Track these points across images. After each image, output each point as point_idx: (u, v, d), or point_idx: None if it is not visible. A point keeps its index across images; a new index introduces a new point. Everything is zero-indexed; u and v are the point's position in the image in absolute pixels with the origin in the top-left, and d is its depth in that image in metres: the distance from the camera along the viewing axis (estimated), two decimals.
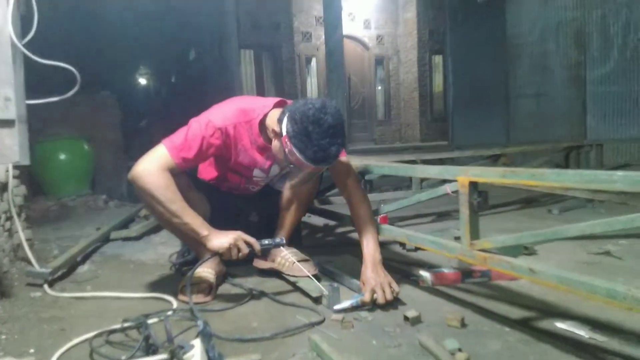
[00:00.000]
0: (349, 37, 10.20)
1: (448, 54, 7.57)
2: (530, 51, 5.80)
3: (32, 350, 1.23)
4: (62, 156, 4.76)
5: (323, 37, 7.90)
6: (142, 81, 10.16)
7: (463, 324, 1.29)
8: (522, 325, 1.30)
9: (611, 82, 4.77)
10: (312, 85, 10.44)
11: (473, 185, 1.26)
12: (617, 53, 4.69)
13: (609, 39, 4.76)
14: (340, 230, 2.65)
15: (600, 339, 1.18)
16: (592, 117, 4.99)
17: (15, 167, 2.08)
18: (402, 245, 2.10)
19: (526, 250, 1.99)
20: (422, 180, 2.83)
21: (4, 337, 1.31)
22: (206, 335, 1.08)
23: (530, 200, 3.42)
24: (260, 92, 9.67)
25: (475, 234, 1.29)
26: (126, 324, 1.32)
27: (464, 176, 1.28)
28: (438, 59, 11.01)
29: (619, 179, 0.82)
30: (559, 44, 5.39)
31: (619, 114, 4.72)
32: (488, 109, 6.48)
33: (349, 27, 9.96)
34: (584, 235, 0.96)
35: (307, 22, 10.10)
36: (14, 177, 2.10)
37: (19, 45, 1.46)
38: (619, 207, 2.79)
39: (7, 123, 1.33)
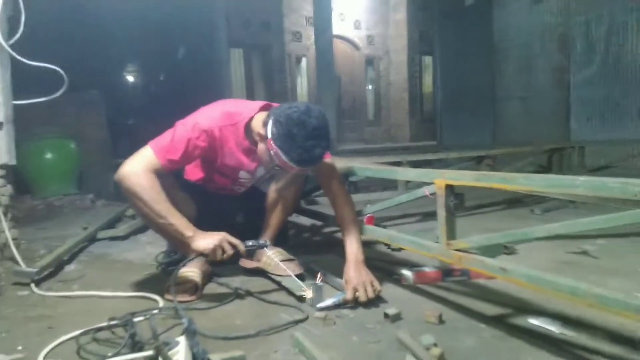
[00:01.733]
0: (340, 37, 10.24)
1: (436, 56, 7.66)
2: (517, 54, 5.91)
3: (20, 348, 1.25)
4: (49, 155, 4.74)
5: (313, 37, 7.93)
6: (130, 79, 10.09)
7: (441, 321, 1.34)
8: (497, 321, 1.35)
9: (594, 85, 4.88)
10: (302, 85, 10.46)
11: (449, 187, 1.31)
12: (600, 58, 4.80)
13: (592, 44, 4.88)
14: (326, 230, 2.69)
15: (569, 334, 1.24)
16: (575, 119, 5.10)
17: (1, 166, 2.09)
18: (387, 245, 2.15)
19: (506, 249, 2.05)
20: (408, 181, 2.88)
21: None
22: (191, 333, 1.11)
23: (514, 201, 3.49)
24: (250, 91, 9.67)
25: (452, 234, 1.34)
26: (112, 322, 1.35)
27: (440, 179, 1.33)
28: (428, 60, 11.10)
29: (581, 184, 0.88)
30: (544, 47, 5.50)
31: (601, 116, 4.84)
32: (475, 110, 6.58)
33: (339, 27, 10.01)
34: (549, 235, 1.01)
35: (298, 21, 10.12)
36: (0, 177, 2.11)
37: (7, 48, 1.48)
38: (599, 208, 2.87)
39: None
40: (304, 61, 10.33)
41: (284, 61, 9.89)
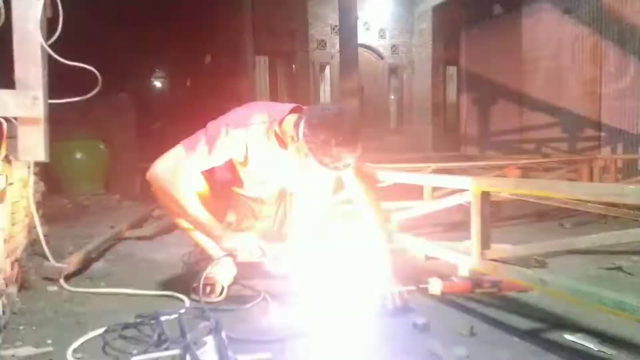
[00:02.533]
0: (364, 46, 10.22)
1: (462, 66, 7.58)
2: (546, 65, 5.79)
3: (49, 341, 1.27)
4: (78, 155, 4.86)
5: (338, 45, 7.95)
6: (158, 84, 10.30)
7: (472, 333, 1.30)
8: (531, 336, 1.30)
9: (627, 98, 4.73)
10: (326, 93, 10.47)
11: (485, 195, 1.28)
12: (633, 69, 4.66)
13: (625, 55, 4.74)
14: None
15: (608, 351, 1.18)
16: (606, 132, 4.95)
17: (35, 164, 2.14)
18: (414, 253, 2.11)
19: (537, 263, 1.99)
20: (434, 189, 2.83)
21: (22, 327, 1.36)
22: (218, 333, 1.10)
23: (542, 214, 3.40)
24: (274, 98, 9.72)
25: (486, 243, 1.30)
26: (139, 320, 1.35)
27: (476, 186, 1.29)
28: (452, 70, 10.98)
29: (631, 192, 0.83)
30: (574, 58, 5.37)
31: (634, 129, 4.68)
32: (501, 121, 6.48)
33: (364, 36, 9.99)
34: (593, 247, 0.97)
35: (323, 30, 10.16)
36: (34, 174, 2.15)
37: (47, 48, 1.52)
38: (632, 223, 2.76)
39: (34, 121, 1.38)
40: (327, 69, 10.36)
41: (308, 69, 9.93)
